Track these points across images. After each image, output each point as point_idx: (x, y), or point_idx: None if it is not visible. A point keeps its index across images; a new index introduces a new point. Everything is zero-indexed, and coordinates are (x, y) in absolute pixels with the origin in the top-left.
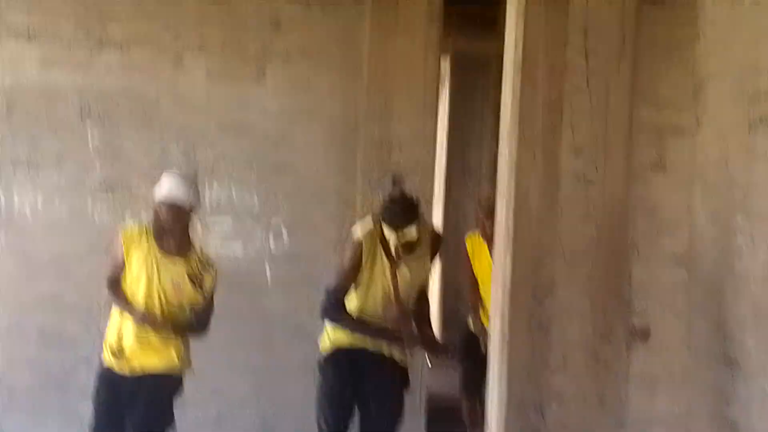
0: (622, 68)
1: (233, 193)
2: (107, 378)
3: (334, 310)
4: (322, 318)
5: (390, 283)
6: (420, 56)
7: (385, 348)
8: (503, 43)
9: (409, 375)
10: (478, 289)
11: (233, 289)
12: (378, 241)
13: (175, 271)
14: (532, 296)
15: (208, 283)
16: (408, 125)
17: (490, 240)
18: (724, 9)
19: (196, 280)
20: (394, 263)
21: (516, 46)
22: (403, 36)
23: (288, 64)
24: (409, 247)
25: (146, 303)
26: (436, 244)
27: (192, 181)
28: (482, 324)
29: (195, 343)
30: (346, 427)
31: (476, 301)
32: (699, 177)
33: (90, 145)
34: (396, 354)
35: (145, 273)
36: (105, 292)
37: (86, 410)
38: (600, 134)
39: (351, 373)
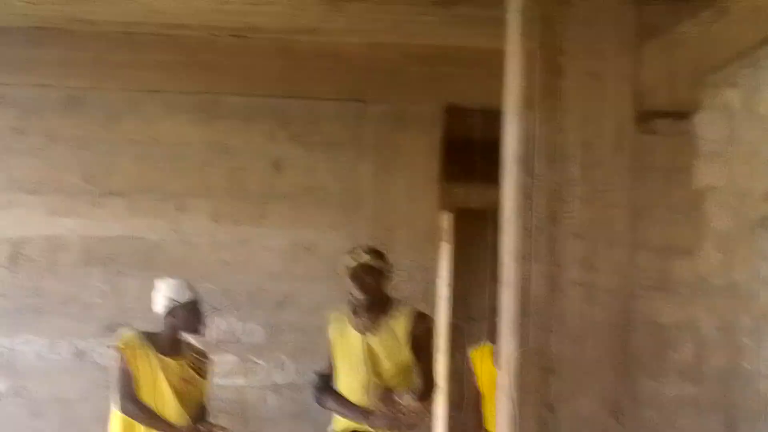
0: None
1: (237, 326)
2: None
3: (319, 392)
4: (315, 402)
5: (364, 357)
6: (420, 188)
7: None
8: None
9: None
10: (481, 403)
11: (237, 420)
12: (346, 317)
13: (180, 368)
14: (539, 376)
15: (209, 369)
16: (410, 257)
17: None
18: (720, 128)
19: (199, 369)
20: (363, 333)
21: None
22: (404, 170)
23: (289, 201)
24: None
25: (164, 408)
26: (419, 323)
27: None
28: None
29: None
30: None
31: (480, 414)
32: (702, 289)
33: (94, 289)
34: None
35: (153, 377)
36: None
37: None
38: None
39: None
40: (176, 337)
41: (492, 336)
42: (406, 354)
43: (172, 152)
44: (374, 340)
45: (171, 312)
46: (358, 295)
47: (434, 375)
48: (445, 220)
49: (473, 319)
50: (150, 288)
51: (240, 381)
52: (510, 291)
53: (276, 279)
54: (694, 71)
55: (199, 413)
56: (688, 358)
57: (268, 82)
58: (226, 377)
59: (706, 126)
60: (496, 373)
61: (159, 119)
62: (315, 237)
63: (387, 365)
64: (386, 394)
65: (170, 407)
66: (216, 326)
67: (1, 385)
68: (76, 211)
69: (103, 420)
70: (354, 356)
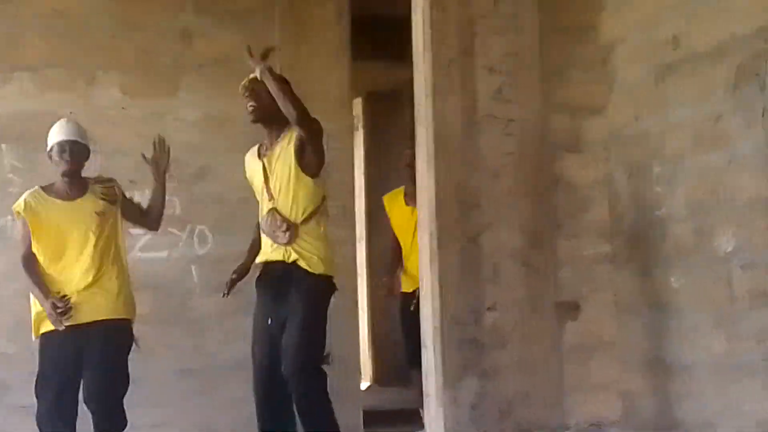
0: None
1: None
2: (51, 342)
3: None
4: None
5: (259, 178)
6: (330, 60)
7: (283, 254)
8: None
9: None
10: (400, 250)
11: (161, 294)
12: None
13: (92, 205)
14: (458, 211)
15: (118, 191)
16: (321, 106)
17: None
18: None
19: (108, 198)
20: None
21: None
22: (311, 42)
23: (201, 73)
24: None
25: (82, 253)
26: (303, 127)
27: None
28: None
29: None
30: (265, 350)
31: (397, 257)
32: (614, 144)
33: (6, 166)
34: (298, 258)
35: (57, 221)
36: (25, 272)
37: (21, 424)
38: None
39: (264, 291)
40: (77, 179)
41: (406, 176)
42: (293, 161)
43: (80, 25)
44: (272, 156)
45: (50, 155)
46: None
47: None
48: (357, 105)
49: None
50: None
51: (162, 254)
52: (426, 128)
53: (192, 151)
54: None
55: (114, 251)
56: (603, 217)
57: None
58: (147, 251)
59: None
60: (407, 211)
61: None
62: (229, 108)
63: (279, 181)
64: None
65: (85, 252)
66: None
67: None
68: None
69: (26, 296)
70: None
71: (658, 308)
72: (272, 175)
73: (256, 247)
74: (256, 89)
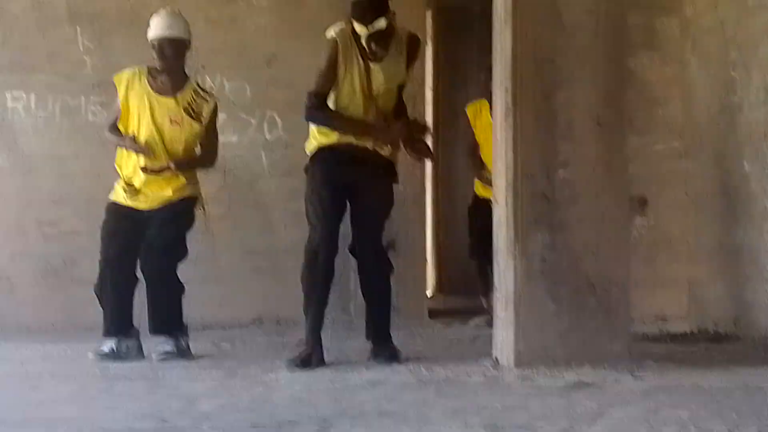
0: None
1: (225, 85)
2: (118, 210)
3: (316, 109)
4: (306, 120)
5: (365, 82)
6: None
7: (370, 143)
8: None
9: (396, 169)
10: (479, 153)
11: (230, 176)
12: (352, 40)
13: (172, 108)
14: (534, 67)
15: (206, 112)
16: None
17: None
18: None
19: (193, 113)
20: (368, 60)
21: None
22: None
23: None
24: (382, 44)
25: (148, 143)
26: (413, 45)
27: (180, 13)
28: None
29: (195, 230)
30: (334, 223)
31: (478, 165)
32: (689, 34)
33: (80, 47)
34: (381, 149)
35: (142, 113)
36: (107, 137)
37: (88, 300)
38: None
39: (337, 169)
40: (173, 76)
41: (486, 92)
42: (403, 80)
43: None
44: (377, 69)
45: (152, 46)
46: (363, 32)
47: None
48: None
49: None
50: (136, 46)
51: (231, 138)
52: None
53: (263, 36)
54: None
55: (183, 156)
56: (676, 113)
57: None
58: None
59: None
60: (491, 123)
61: None
62: None
63: (386, 91)
64: (380, 112)
65: (153, 145)
66: (203, 83)
67: None
68: None
69: (97, 176)
70: (357, 81)
71: (728, 196)
72: (376, 71)
73: None
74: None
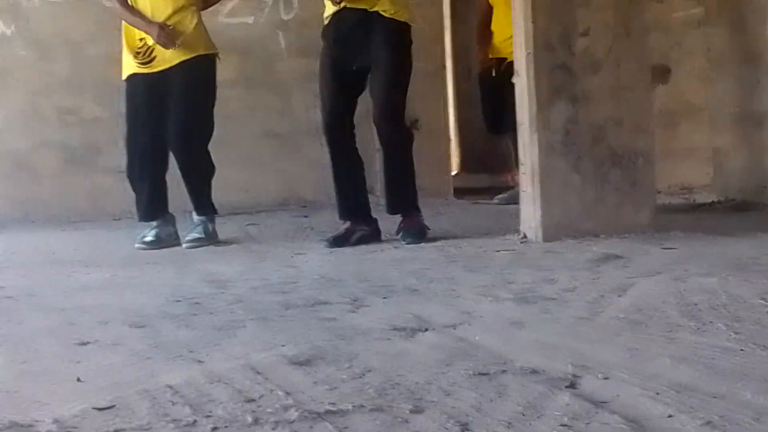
0: None
1: None
2: (133, 83)
3: None
4: None
5: None
6: None
7: (367, 3)
8: None
9: (402, 29)
10: (490, 19)
11: (247, 58)
12: None
13: None
14: None
15: None
16: None
17: None
18: None
19: None
20: None
21: None
22: None
23: None
24: None
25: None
26: None
27: None
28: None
29: (215, 116)
30: (337, 99)
31: (488, 36)
32: None
33: None
34: (383, 7)
35: None
36: (116, 10)
37: (113, 188)
38: None
39: (339, 41)
40: None
41: None
42: None
43: None
44: None
45: None
46: None
47: None
48: None
49: None
50: None
51: (248, 19)
52: None
53: None
54: None
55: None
56: None
57: None
58: (233, 16)
59: None
60: None
61: None
62: None
63: None
64: None
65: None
66: None
67: (8, 29)
68: None
69: (114, 60)
70: None
71: (750, 62)
72: None
73: None
74: None
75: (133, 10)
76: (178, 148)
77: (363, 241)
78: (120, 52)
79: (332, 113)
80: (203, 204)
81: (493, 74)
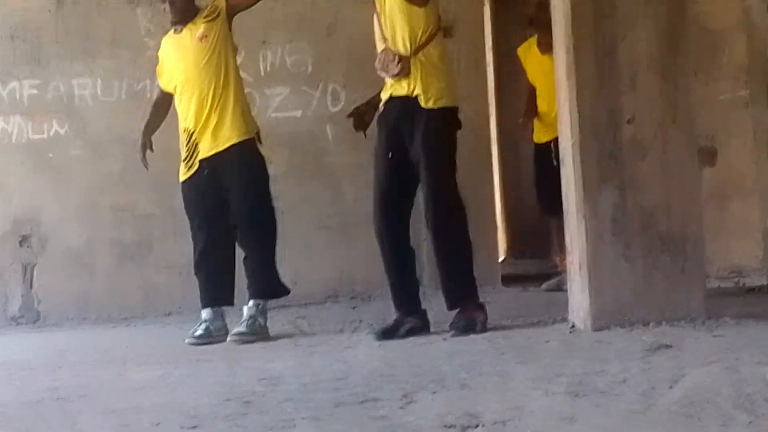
0: None
1: (287, 58)
2: (188, 183)
3: None
4: None
5: (380, 21)
6: None
7: (408, 90)
8: None
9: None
10: (535, 98)
11: (296, 152)
12: None
13: (194, 31)
14: (593, 22)
15: (219, 2)
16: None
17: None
18: None
19: (211, 15)
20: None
21: None
22: None
23: None
24: None
25: (194, 86)
26: None
27: None
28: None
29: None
30: (387, 186)
31: (533, 110)
32: None
33: (142, 30)
34: (422, 93)
35: (172, 60)
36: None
37: (166, 282)
38: None
39: (390, 127)
40: (185, 14)
41: (535, 24)
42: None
43: None
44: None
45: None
46: None
47: None
48: None
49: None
50: None
51: (296, 113)
52: None
53: (321, 7)
54: None
55: (225, 73)
56: (740, 61)
57: None
58: (282, 111)
59: None
60: (543, 60)
61: None
62: None
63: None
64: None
65: (191, 77)
66: (264, 59)
67: (63, 128)
68: None
69: (167, 157)
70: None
71: None
72: (383, 15)
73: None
74: None
75: (151, 109)
76: (244, 237)
77: (412, 333)
78: (172, 149)
79: (382, 202)
80: (274, 285)
81: (554, 163)
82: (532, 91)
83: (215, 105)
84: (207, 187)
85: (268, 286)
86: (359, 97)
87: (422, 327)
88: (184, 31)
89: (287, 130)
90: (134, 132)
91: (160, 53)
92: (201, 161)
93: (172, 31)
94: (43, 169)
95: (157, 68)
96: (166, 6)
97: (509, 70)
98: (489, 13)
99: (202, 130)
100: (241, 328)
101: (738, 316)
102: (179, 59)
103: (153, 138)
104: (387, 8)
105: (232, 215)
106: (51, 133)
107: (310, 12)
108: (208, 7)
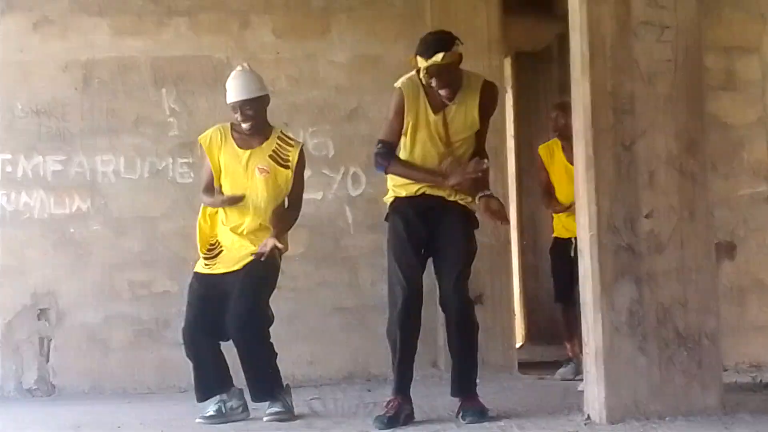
0: None
1: (308, 142)
2: (197, 279)
3: (383, 156)
4: (376, 167)
5: (436, 131)
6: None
7: (445, 191)
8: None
9: (476, 216)
10: (554, 193)
11: (316, 234)
12: (420, 89)
13: (259, 158)
14: (613, 117)
15: (293, 156)
16: (473, 65)
17: (563, 133)
18: None
19: (281, 159)
20: (438, 108)
21: None
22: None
23: (351, 14)
24: (443, 80)
25: (244, 201)
26: (488, 92)
27: (252, 70)
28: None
29: (283, 290)
30: (415, 276)
31: (553, 205)
32: None
33: (166, 110)
34: (458, 197)
35: (232, 170)
36: (202, 200)
37: (181, 361)
38: None
39: (414, 220)
40: (257, 129)
41: (563, 135)
42: (476, 122)
43: None
44: (445, 114)
45: (232, 109)
46: (422, 65)
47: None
48: (506, 66)
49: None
50: (219, 105)
51: (317, 195)
52: (580, 35)
53: (343, 92)
54: None
55: (278, 205)
56: (760, 156)
57: None
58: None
59: None
60: (570, 168)
61: None
62: (379, 49)
63: (458, 138)
64: (456, 160)
65: (247, 201)
66: None
67: (85, 204)
68: (141, 31)
69: (186, 236)
70: (424, 127)
71: None
72: (451, 125)
73: None
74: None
75: (210, 193)
76: (239, 341)
77: (407, 420)
78: (191, 227)
79: (412, 287)
80: (274, 384)
81: (572, 254)
82: (548, 186)
83: (254, 228)
84: (214, 288)
85: (275, 385)
86: (379, 181)
87: (412, 413)
88: (248, 151)
89: (308, 212)
90: (155, 210)
91: (216, 153)
92: (222, 274)
93: (230, 132)
94: (63, 244)
95: (212, 167)
96: (238, 115)
97: (528, 156)
98: (512, 101)
99: (239, 241)
100: (276, 407)
101: (754, 412)
102: (235, 173)
103: (173, 216)
104: (452, 118)
105: (230, 316)
106: (73, 209)
107: (332, 97)
108: (282, 145)
